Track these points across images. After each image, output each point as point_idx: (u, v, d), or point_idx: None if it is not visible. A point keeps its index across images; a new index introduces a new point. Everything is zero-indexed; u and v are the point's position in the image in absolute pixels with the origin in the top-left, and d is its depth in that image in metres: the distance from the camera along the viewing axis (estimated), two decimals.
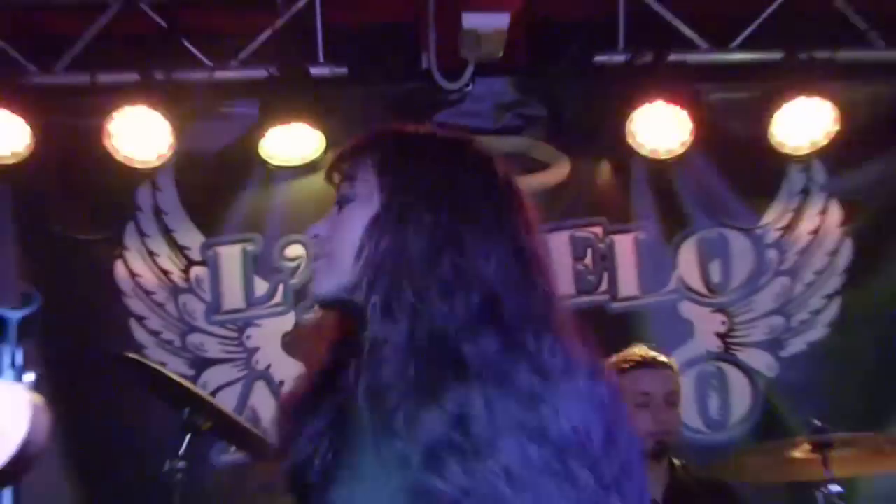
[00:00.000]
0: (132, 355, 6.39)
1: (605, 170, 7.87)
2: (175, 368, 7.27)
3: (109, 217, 7.79)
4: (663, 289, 7.87)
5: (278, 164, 7.64)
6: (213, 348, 7.68)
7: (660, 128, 7.55)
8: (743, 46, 7.85)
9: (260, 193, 7.83)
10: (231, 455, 7.31)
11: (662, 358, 6.09)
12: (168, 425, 5.96)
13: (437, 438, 2.51)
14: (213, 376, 7.63)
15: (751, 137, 7.71)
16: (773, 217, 7.92)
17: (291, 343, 7.65)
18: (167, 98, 7.39)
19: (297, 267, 7.72)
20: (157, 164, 7.56)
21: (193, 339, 7.68)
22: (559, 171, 7.84)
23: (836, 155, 7.75)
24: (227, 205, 7.83)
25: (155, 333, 7.67)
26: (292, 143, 7.55)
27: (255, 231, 7.79)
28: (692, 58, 7.80)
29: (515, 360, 2.59)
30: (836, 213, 7.88)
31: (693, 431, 7.46)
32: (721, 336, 7.84)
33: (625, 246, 7.86)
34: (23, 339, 2.61)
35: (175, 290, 7.74)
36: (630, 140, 7.56)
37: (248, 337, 7.71)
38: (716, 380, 7.79)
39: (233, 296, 7.76)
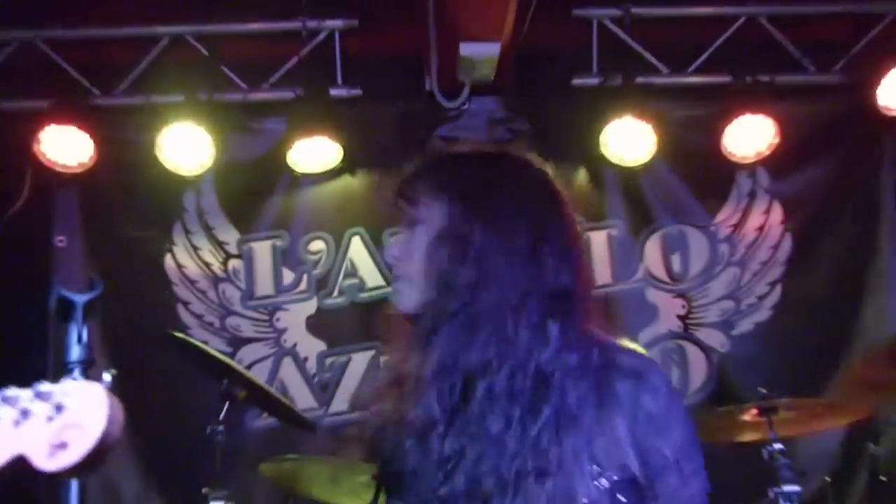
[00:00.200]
0: (179, 334, 6.40)
1: (581, 176, 7.84)
2: (215, 346, 7.27)
3: (160, 217, 7.78)
4: (632, 278, 7.85)
5: (303, 171, 7.64)
6: (247, 329, 7.67)
7: (628, 140, 7.57)
8: (698, 71, 7.87)
9: (287, 197, 7.81)
10: (263, 420, 7.30)
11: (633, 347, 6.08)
12: (209, 394, 5.96)
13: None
14: (247, 353, 7.62)
15: (705, 148, 7.72)
16: (725, 216, 7.91)
17: (315, 325, 7.68)
18: (209, 116, 7.40)
19: (319, 259, 7.72)
20: (199, 172, 7.60)
21: (231, 321, 7.68)
22: None
23: (777, 163, 7.75)
24: (259, 206, 7.82)
25: (198, 316, 7.66)
26: (315, 153, 7.55)
27: (283, 229, 7.78)
28: (656, 81, 7.82)
29: (586, 363, 2.66)
30: (778, 212, 7.88)
31: None
32: (681, 318, 7.83)
33: (599, 241, 7.86)
34: (87, 319, 2.60)
35: (215, 280, 7.74)
36: (603, 151, 7.58)
37: (277, 319, 7.70)
38: (676, 355, 7.78)
39: (264, 284, 7.76)
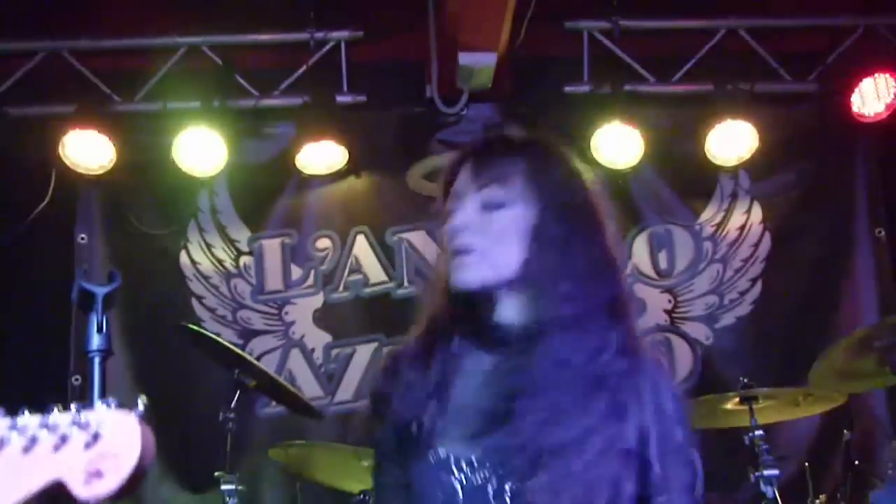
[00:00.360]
0: (193, 326, 6.40)
1: None
2: (227, 338, 7.24)
3: (176, 216, 7.75)
4: None
5: (311, 173, 7.61)
6: (257, 322, 7.64)
7: (617, 144, 7.53)
8: (682, 80, 7.86)
9: (296, 197, 7.79)
10: (272, 408, 7.27)
11: None
12: (221, 383, 5.95)
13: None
14: (257, 344, 7.60)
15: (690, 152, 7.72)
16: (709, 216, 7.89)
17: (321, 318, 7.66)
18: (222, 121, 7.37)
19: (325, 256, 7.69)
20: (213, 174, 7.56)
21: (242, 314, 7.65)
22: None
23: (757, 166, 7.75)
24: (269, 206, 7.79)
25: (211, 310, 7.64)
26: (322, 156, 7.52)
27: (291, 227, 7.75)
28: (643, 89, 7.81)
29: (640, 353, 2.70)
30: (758, 212, 7.85)
31: None
32: (667, 312, 7.81)
33: None
34: (106, 310, 2.58)
35: (228, 275, 7.71)
36: (593, 154, 7.52)
37: (286, 313, 7.67)
38: (663, 347, 7.74)
39: (274, 279, 7.73)
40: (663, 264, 7.85)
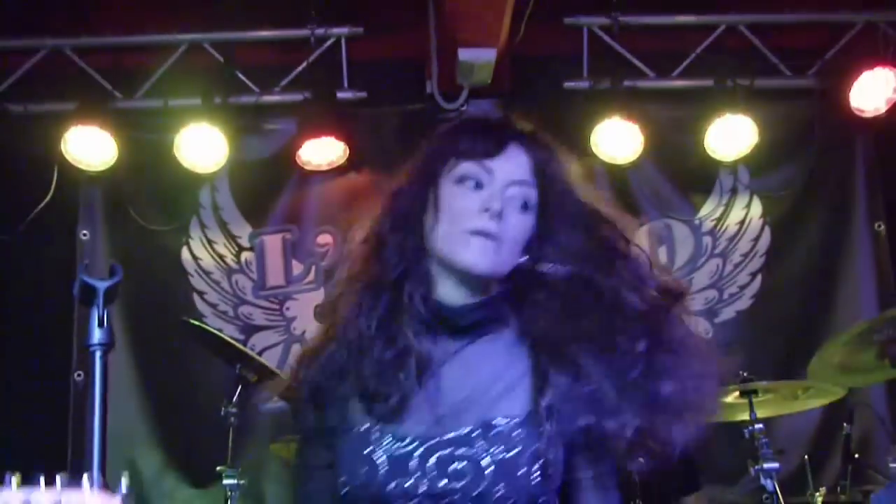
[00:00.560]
0: (195, 322, 6.40)
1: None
2: (229, 333, 7.24)
3: (177, 212, 7.76)
4: None
5: (311, 169, 7.61)
6: (259, 317, 7.65)
7: (617, 140, 7.55)
8: (682, 76, 7.87)
9: (297, 193, 7.79)
10: (274, 403, 7.27)
11: None
12: (223, 378, 5.96)
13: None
14: (259, 340, 7.60)
15: (689, 147, 7.73)
16: (708, 210, 7.89)
17: (322, 312, 7.66)
18: (223, 118, 7.38)
19: (326, 252, 7.69)
20: (215, 170, 7.58)
21: (244, 309, 7.65)
22: None
23: (756, 161, 7.76)
24: (270, 202, 7.79)
25: (213, 305, 7.64)
26: (323, 152, 7.53)
27: (292, 223, 7.75)
28: (642, 84, 7.81)
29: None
30: (757, 207, 7.86)
31: None
32: None
33: None
34: (108, 304, 2.58)
35: (229, 271, 7.71)
36: (594, 149, 7.55)
37: (287, 308, 7.67)
38: None
39: (275, 275, 7.73)
40: (663, 259, 7.83)
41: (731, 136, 7.54)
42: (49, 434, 7.21)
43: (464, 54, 7.06)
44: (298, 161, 7.55)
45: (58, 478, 1.81)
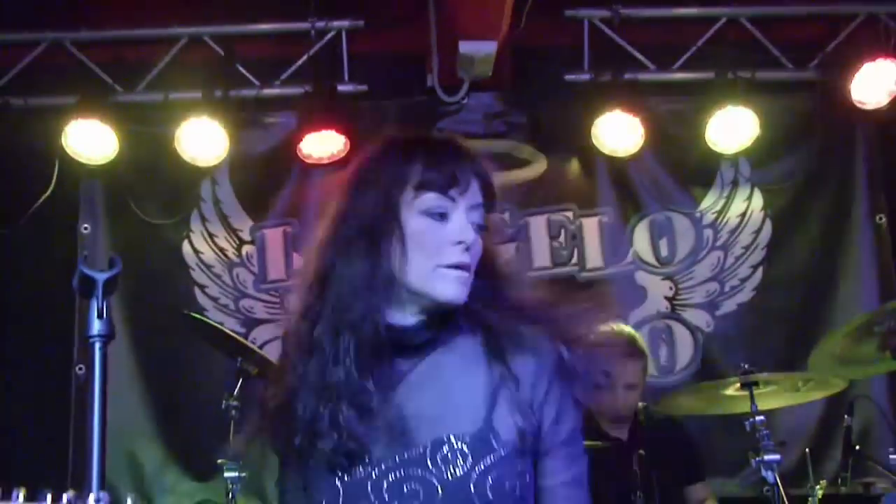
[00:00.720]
0: (197, 315, 6.41)
1: (574, 166, 7.85)
2: (230, 327, 7.26)
3: (178, 206, 7.77)
4: (622, 261, 7.84)
5: (312, 162, 7.60)
6: (260, 311, 7.65)
7: (618, 132, 7.56)
8: (683, 68, 7.86)
9: (297, 186, 7.78)
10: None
11: (640, 345, 6.08)
12: (224, 371, 5.97)
13: None
14: (260, 333, 7.61)
15: (690, 139, 7.73)
16: (709, 203, 7.89)
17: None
18: (224, 111, 7.39)
19: None
20: (215, 163, 7.58)
21: (245, 303, 7.66)
22: (537, 167, 7.83)
23: (757, 153, 7.76)
24: (271, 195, 7.80)
25: (214, 299, 7.66)
26: (323, 145, 7.53)
27: (293, 216, 7.75)
28: (643, 77, 7.80)
29: None
30: (758, 199, 7.86)
31: (647, 377, 7.43)
32: (668, 299, 7.82)
33: (591, 227, 7.83)
34: (107, 296, 2.59)
35: (230, 265, 7.72)
36: (594, 142, 7.57)
37: (288, 302, 7.67)
38: (664, 334, 7.77)
39: (276, 268, 7.73)
40: (664, 252, 7.86)
41: (733, 128, 7.54)
42: (51, 428, 7.23)
43: (464, 47, 7.05)
44: (299, 154, 7.55)
45: (64, 496, 1.82)
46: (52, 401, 7.33)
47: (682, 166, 7.92)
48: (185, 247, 7.73)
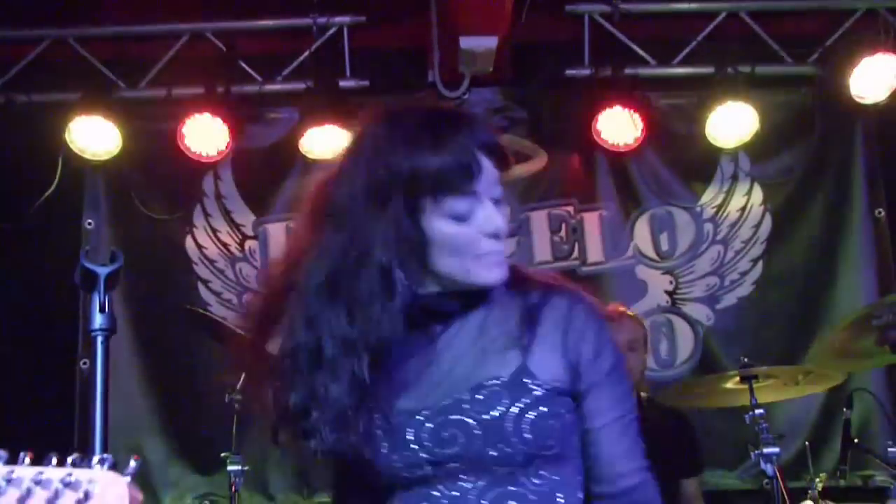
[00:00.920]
0: (199, 310, 6.42)
1: (574, 161, 7.85)
2: (232, 321, 7.26)
3: (181, 201, 7.80)
4: (623, 255, 7.85)
5: (314, 157, 7.60)
6: None
7: (618, 127, 7.56)
8: (683, 63, 7.87)
9: (300, 181, 7.79)
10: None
11: (628, 312, 6.13)
12: (226, 366, 5.98)
13: None
14: None
15: (690, 134, 7.75)
16: (709, 197, 7.91)
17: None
18: (226, 107, 7.42)
19: None
20: (218, 158, 7.60)
21: (248, 298, 7.68)
22: (538, 162, 7.83)
23: (757, 148, 7.78)
24: (273, 190, 7.81)
25: (217, 294, 7.67)
26: (325, 141, 7.51)
27: (296, 211, 7.74)
28: (643, 72, 7.81)
29: None
30: (758, 193, 7.88)
31: (647, 370, 7.45)
32: (669, 293, 7.83)
33: (592, 221, 7.85)
34: (109, 290, 2.60)
35: (233, 260, 7.74)
36: (595, 137, 7.57)
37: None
38: (665, 328, 7.79)
39: None
40: (665, 246, 7.87)
41: (732, 123, 7.54)
42: (56, 421, 7.23)
43: (465, 42, 7.07)
44: (301, 149, 7.55)
45: (69, 458, 1.84)
46: (57, 395, 7.34)
47: (682, 161, 7.93)
48: (189, 242, 7.75)
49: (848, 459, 5.91)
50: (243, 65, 7.74)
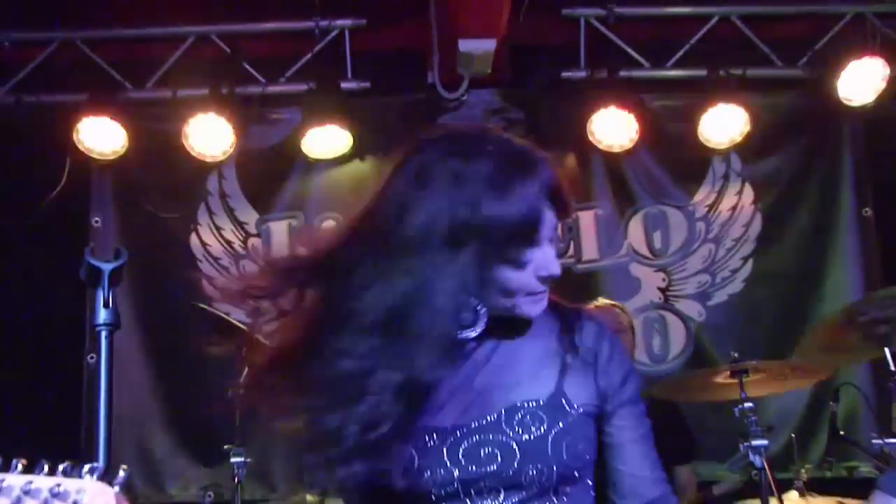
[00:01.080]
0: (203, 305, 6.43)
1: (570, 161, 7.84)
2: (236, 317, 7.23)
3: (186, 199, 7.83)
4: (617, 253, 7.87)
5: (316, 157, 7.66)
6: None
7: (613, 128, 7.60)
8: (676, 65, 7.88)
9: (302, 180, 7.84)
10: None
11: (613, 303, 6.16)
12: (231, 361, 5.99)
13: None
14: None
15: (683, 135, 7.77)
16: (701, 197, 7.93)
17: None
18: (230, 107, 7.43)
19: None
20: (222, 158, 7.63)
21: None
22: None
23: (748, 148, 7.80)
24: (276, 189, 7.85)
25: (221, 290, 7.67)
26: (327, 141, 7.57)
27: (298, 210, 7.80)
28: (637, 74, 7.83)
29: None
30: (749, 193, 7.90)
31: (640, 364, 7.48)
32: (662, 290, 7.85)
33: (587, 220, 7.87)
34: (113, 285, 2.62)
35: (236, 257, 7.77)
36: (590, 137, 7.61)
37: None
38: (658, 324, 7.80)
39: None
40: (658, 244, 7.89)
41: (724, 124, 7.58)
42: (64, 414, 7.25)
43: (464, 45, 7.09)
44: (303, 149, 7.59)
45: (60, 466, 1.85)
46: (65, 389, 7.35)
47: (675, 161, 7.95)
48: (193, 239, 7.78)
49: (834, 451, 5.94)
50: (247, 66, 7.76)
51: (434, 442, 2.54)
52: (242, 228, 7.79)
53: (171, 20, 7.69)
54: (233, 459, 5.68)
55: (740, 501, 5.98)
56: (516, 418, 2.54)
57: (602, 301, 6.21)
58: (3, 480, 1.81)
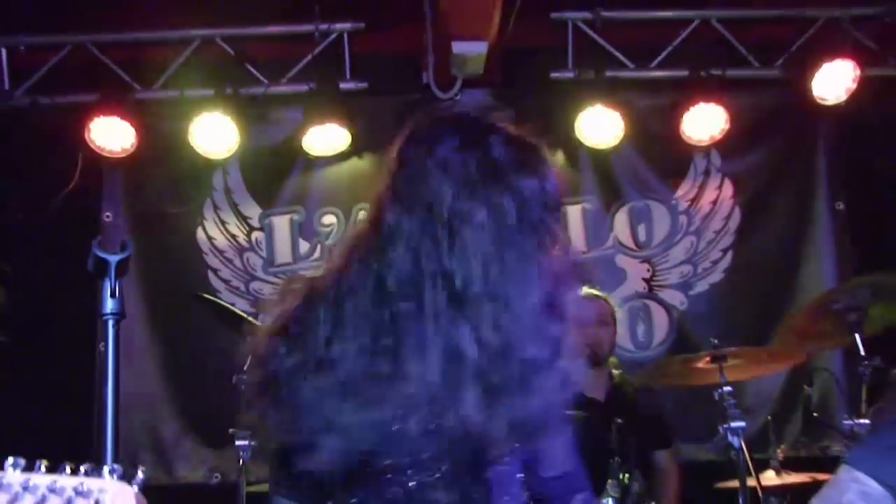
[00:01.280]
0: (210, 297, 6.45)
1: (559, 157, 7.84)
2: (241, 307, 7.26)
3: (192, 195, 7.86)
4: (603, 245, 7.89)
5: (317, 155, 7.67)
6: (268, 293, 7.68)
7: (600, 126, 7.62)
8: (660, 66, 7.89)
9: (303, 177, 7.85)
10: None
11: (596, 293, 6.18)
12: (235, 348, 5.99)
13: None
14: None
15: (666, 133, 7.78)
16: (684, 192, 7.96)
17: None
18: (234, 107, 7.45)
19: (331, 231, 7.75)
20: (227, 156, 7.66)
21: (254, 285, 7.72)
22: None
23: (728, 145, 7.82)
24: (278, 185, 7.87)
25: (226, 281, 7.71)
26: (327, 139, 7.59)
27: (299, 204, 7.82)
28: (623, 75, 7.84)
29: None
30: (729, 188, 7.92)
31: (625, 351, 7.49)
32: (646, 280, 7.88)
33: (575, 214, 7.87)
34: (119, 277, 2.64)
35: (241, 250, 7.79)
36: (578, 135, 7.62)
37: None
38: (642, 313, 7.83)
39: (283, 253, 7.81)
40: (642, 236, 7.91)
41: (705, 122, 7.60)
42: (76, 400, 7.25)
43: (457, 47, 7.10)
44: (304, 147, 7.60)
45: (82, 467, 1.87)
46: (77, 377, 7.36)
47: (658, 157, 7.98)
48: (199, 233, 7.80)
49: (808, 432, 5.96)
50: (250, 68, 7.76)
51: None
52: (246, 222, 7.81)
53: (177, 24, 7.68)
54: (237, 442, 5.68)
55: (721, 482, 6.00)
56: None
57: (587, 291, 6.22)
58: (28, 480, 1.83)
